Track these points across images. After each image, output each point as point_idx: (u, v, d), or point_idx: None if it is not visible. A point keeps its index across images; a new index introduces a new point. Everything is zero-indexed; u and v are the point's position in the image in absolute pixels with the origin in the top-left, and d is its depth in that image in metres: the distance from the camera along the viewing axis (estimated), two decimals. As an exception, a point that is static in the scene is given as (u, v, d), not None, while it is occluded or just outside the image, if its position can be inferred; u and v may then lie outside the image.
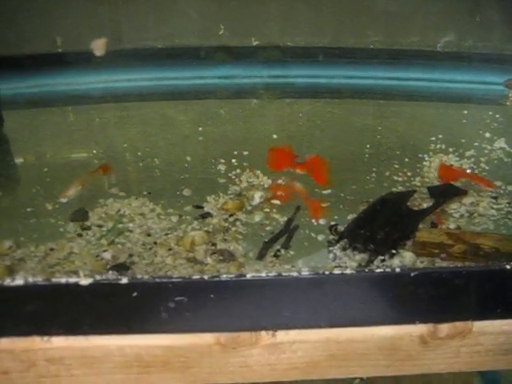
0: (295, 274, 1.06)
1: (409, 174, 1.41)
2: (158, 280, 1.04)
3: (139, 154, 1.49)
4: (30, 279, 1.04)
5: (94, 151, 1.50)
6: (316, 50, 1.83)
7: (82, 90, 1.74)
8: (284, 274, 1.06)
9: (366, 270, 1.09)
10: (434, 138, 1.53)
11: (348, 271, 1.08)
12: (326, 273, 1.07)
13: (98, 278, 1.04)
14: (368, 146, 1.52)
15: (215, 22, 1.78)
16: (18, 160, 1.49)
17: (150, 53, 1.80)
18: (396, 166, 1.43)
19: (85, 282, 1.04)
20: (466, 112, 1.67)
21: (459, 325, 1.11)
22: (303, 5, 1.80)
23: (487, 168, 1.43)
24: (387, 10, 1.80)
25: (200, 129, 1.58)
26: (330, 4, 1.79)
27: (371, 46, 1.83)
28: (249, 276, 1.05)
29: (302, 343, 1.09)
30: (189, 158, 1.46)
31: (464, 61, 1.78)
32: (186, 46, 1.81)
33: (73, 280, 1.04)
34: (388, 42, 1.83)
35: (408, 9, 1.81)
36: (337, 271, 1.08)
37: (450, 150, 1.49)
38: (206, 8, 1.78)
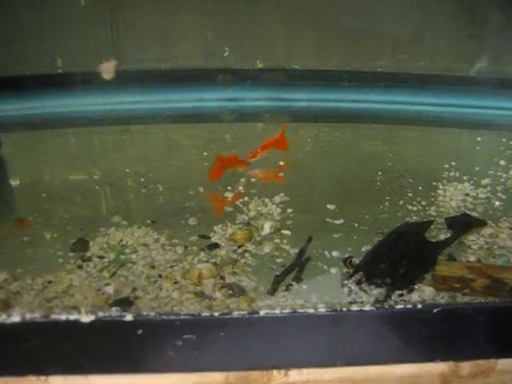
0: (311, 310, 1.01)
1: (423, 203, 1.35)
2: (164, 317, 0.99)
3: (142, 179, 1.43)
4: (28, 315, 0.98)
5: (96, 176, 1.44)
6: (323, 73, 1.79)
7: (82, 111, 1.70)
8: (299, 310, 1.01)
9: (387, 307, 1.04)
10: (447, 166, 1.48)
11: (367, 308, 1.02)
12: (344, 309, 1.02)
13: (100, 314, 0.99)
14: (379, 173, 1.47)
15: (220, 43, 1.74)
16: (15, 184, 1.43)
17: (153, 74, 1.76)
18: (409, 195, 1.38)
19: (86, 319, 0.98)
20: (478, 138, 1.63)
21: (482, 363, 1.06)
22: (310, 27, 1.76)
23: (504, 197, 1.37)
24: (395, 33, 1.77)
25: (205, 154, 1.52)
26: (337, 26, 1.75)
27: (379, 70, 1.80)
28: (262, 313, 1.00)
29: (315, 383, 1.04)
30: (194, 185, 1.41)
31: (475, 85, 1.74)
32: (190, 68, 1.77)
33: (73, 317, 0.98)
34: (396, 65, 1.79)
35: (416, 32, 1.78)
36: (355, 308, 1.02)
37: (465, 177, 1.44)
38: (211, 29, 1.74)
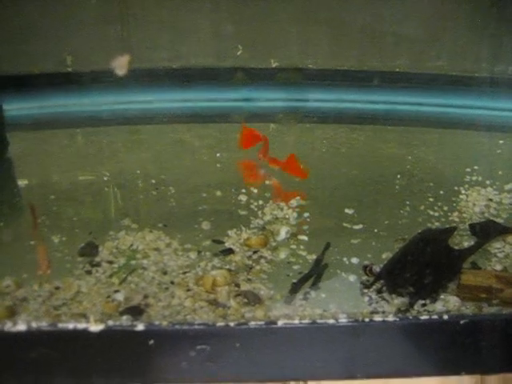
0: (331, 321, 0.96)
1: (445, 208, 1.30)
2: (177, 327, 0.94)
3: (153, 181, 1.38)
4: (34, 324, 0.94)
5: (105, 178, 1.39)
6: (339, 73, 1.74)
7: (92, 111, 1.65)
8: (319, 321, 0.96)
9: (410, 317, 0.99)
10: (468, 169, 1.43)
11: (390, 318, 0.98)
12: (366, 320, 0.97)
13: (110, 323, 0.94)
14: (398, 176, 1.41)
15: (233, 42, 1.69)
16: (23, 184, 1.39)
17: (165, 73, 1.71)
18: (430, 200, 1.33)
19: (95, 328, 0.94)
20: (500, 141, 1.57)
21: (509, 376, 1.01)
22: (326, 26, 1.71)
23: (529, 203, 1.32)
24: (413, 32, 1.72)
25: (218, 155, 1.48)
26: (353, 25, 1.71)
27: (397, 70, 1.74)
28: (280, 323, 0.95)
29: (334, 396, 0.99)
30: (207, 187, 1.36)
31: (496, 86, 1.69)
32: (203, 67, 1.72)
33: (82, 326, 0.94)
34: (414, 65, 1.74)
35: (435, 32, 1.73)
36: (377, 318, 0.97)
37: (488, 182, 1.38)
38: (224, 27, 1.69)
